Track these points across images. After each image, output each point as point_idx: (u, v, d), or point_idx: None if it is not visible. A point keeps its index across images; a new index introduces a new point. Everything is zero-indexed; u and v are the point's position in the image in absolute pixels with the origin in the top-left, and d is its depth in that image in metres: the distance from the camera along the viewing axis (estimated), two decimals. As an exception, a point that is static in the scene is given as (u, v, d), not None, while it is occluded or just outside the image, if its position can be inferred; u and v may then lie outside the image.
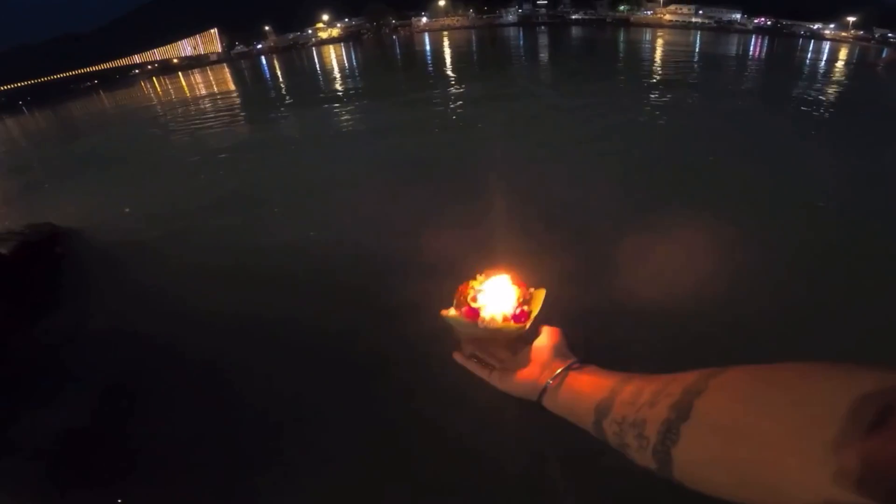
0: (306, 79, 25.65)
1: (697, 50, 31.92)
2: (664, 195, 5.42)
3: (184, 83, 39.21)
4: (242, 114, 15.78)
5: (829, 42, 59.97)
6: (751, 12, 78.54)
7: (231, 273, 4.53)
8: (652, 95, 12.70)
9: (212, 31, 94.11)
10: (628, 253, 3.94)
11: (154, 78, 59.96)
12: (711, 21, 75.11)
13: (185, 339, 3.58)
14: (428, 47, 44.18)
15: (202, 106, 19.02)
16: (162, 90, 36.60)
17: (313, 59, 44.78)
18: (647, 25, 74.68)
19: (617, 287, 3.45)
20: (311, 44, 69.57)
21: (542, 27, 68.81)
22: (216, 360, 3.32)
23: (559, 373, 0.67)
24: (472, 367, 0.79)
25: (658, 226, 4.46)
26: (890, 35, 61.05)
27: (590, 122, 9.35)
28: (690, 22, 75.68)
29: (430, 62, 28.41)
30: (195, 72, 59.24)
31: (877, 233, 4.41)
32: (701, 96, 12.69)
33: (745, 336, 3.01)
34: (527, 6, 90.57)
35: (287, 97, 18.67)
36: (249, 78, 36.10)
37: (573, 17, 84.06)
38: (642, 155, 7.10)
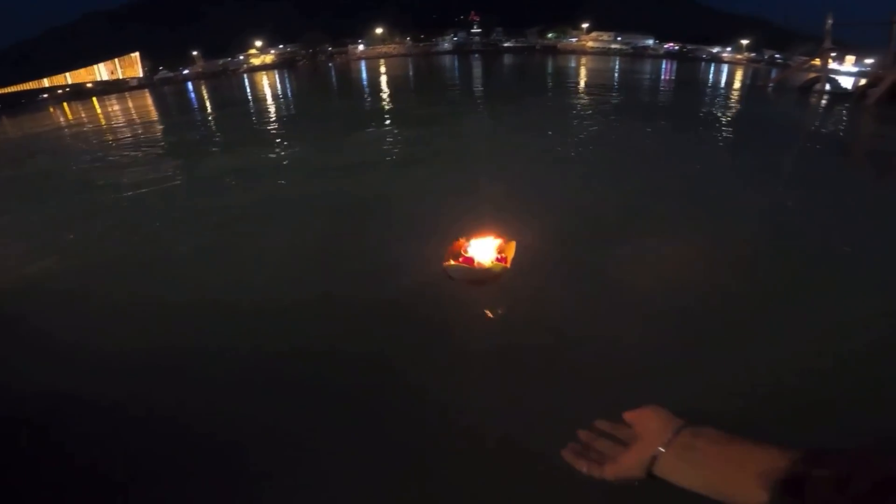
0: (235, 107, 24.32)
1: (617, 74, 34.32)
2: (590, 193, 6.65)
3: (98, 110, 36.33)
4: (162, 144, 14.36)
5: (726, 65, 67.10)
6: (662, 38, 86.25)
7: (136, 330, 3.91)
8: (576, 116, 13.38)
9: (133, 54, 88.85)
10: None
11: (65, 104, 55.44)
12: (628, 47, 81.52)
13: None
14: (364, 75, 44.17)
15: (118, 136, 17.28)
16: (74, 117, 33.59)
17: (244, 86, 43.21)
18: (573, 52, 79.87)
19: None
20: (242, 70, 67.17)
21: (476, 55, 71.11)
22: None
23: (670, 438, 0.70)
24: (581, 464, 0.79)
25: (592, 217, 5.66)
26: (777, 56, 69.12)
27: (524, 147, 9.58)
28: (610, 48, 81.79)
29: (366, 89, 28.12)
30: (112, 97, 55.45)
31: (755, 232, 5.30)
32: (619, 115, 13.78)
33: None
34: (462, 34, 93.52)
35: (213, 127, 17.39)
36: (173, 105, 33.96)
37: (505, 44, 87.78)
38: (571, 170, 8.09)
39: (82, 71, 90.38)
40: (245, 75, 59.62)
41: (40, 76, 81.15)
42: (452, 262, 3.13)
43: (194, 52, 75.80)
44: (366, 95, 22.81)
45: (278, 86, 39.20)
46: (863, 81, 23.79)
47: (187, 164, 10.59)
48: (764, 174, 7.45)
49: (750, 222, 5.41)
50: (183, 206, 7.41)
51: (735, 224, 5.32)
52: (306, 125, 14.91)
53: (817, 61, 24.84)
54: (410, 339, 3.43)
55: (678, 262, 4.36)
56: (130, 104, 36.71)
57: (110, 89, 65.30)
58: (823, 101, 18.96)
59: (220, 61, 72.21)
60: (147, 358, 3.47)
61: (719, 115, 14.49)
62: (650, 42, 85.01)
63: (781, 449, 0.59)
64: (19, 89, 78.59)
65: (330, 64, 64.97)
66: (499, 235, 3.30)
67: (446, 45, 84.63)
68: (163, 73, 73.54)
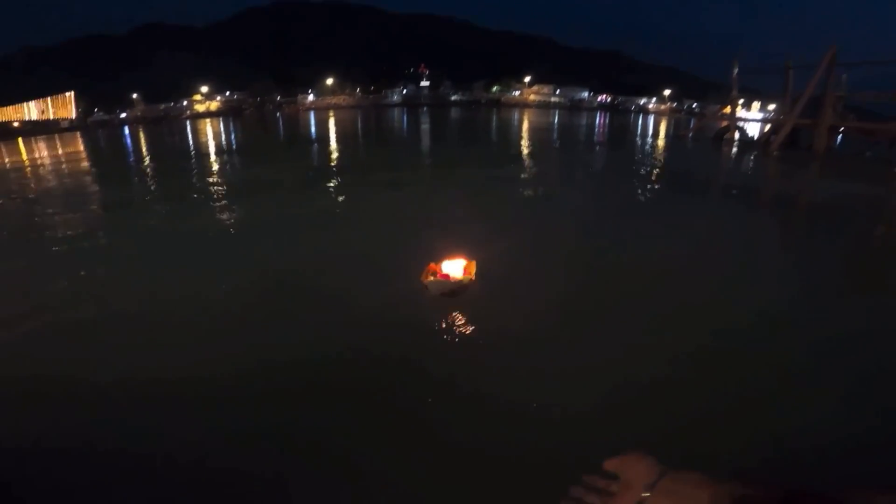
0: (174, 156, 23.47)
1: (556, 127, 36.54)
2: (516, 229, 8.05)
3: (23, 151, 34.22)
4: (89, 195, 13.55)
5: (652, 115, 73.47)
6: (595, 90, 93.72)
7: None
8: (519, 168, 14.12)
9: (67, 94, 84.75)
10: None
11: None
12: (566, 100, 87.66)
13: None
14: (313, 128, 44.33)
15: (41, 183, 16.21)
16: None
17: (185, 134, 42.14)
18: (516, 105, 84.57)
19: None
20: (185, 116, 65.42)
21: (425, 108, 73.64)
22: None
23: (654, 483, 0.71)
24: None
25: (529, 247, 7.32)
26: (695, 105, 76.72)
27: (472, 198, 10.12)
28: (550, 101, 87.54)
29: (314, 140, 28.03)
30: (40, 139, 52.36)
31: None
32: (561, 168, 15.02)
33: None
34: (411, 87, 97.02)
35: (146, 178, 16.64)
36: (105, 151, 32.46)
37: (452, 97, 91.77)
38: (514, 210, 9.56)
39: (9, 108, 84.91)
40: (188, 122, 58.05)
41: None
42: (431, 278, 4.32)
43: (134, 95, 73.45)
44: (313, 150, 22.72)
45: (223, 136, 38.53)
46: (767, 127, 26.59)
47: (114, 218, 10.09)
48: (671, 214, 8.70)
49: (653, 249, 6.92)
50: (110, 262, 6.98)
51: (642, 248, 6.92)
52: (248, 182, 14.53)
53: (727, 109, 27.62)
54: (396, 341, 4.31)
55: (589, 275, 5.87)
56: (59, 148, 34.76)
57: (39, 130, 61.52)
58: (734, 150, 21.11)
59: (162, 106, 70.11)
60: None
61: (645, 168, 15.72)
62: (585, 95, 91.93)
63: (766, 488, 0.61)
64: None
65: (278, 114, 64.57)
66: (464, 256, 5.14)
67: (396, 98, 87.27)
68: (98, 115, 70.42)
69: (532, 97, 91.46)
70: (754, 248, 7.22)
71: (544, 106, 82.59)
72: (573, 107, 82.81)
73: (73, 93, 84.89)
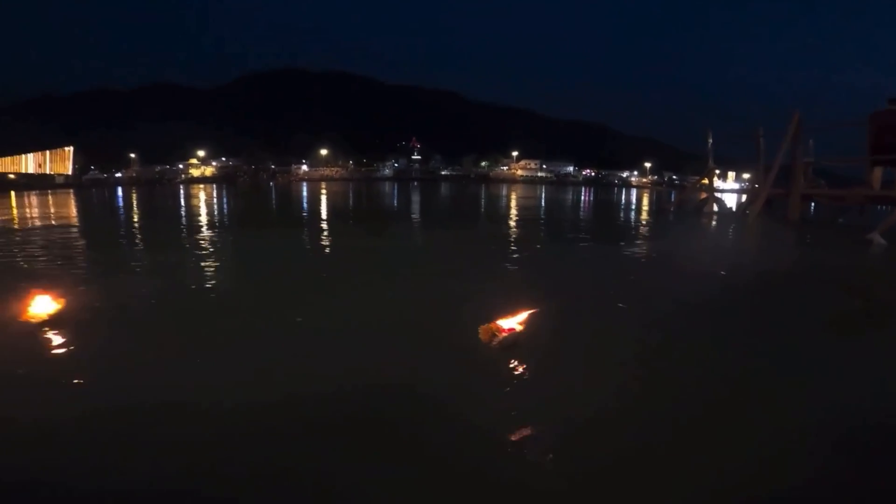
0: (166, 221, 23.63)
1: (543, 203, 36.86)
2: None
3: (14, 204, 34.49)
4: (76, 259, 13.50)
5: (635, 188, 75.96)
6: (580, 164, 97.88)
7: None
8: (507, 247, 14.09)
9: (67, 149, 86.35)
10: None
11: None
12: (553, 175, 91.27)
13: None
14: (305, 195, 45.33)
15: (31, 238, 16.36)
16: None
17: (178, 198, 43.02)
18: (504, 180, 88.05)
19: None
20: (178, 180, 67.02)
21: (416, 182, 76.65)
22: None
23: None
24: None
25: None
26: (675, 178, 79.91)
27: (458, 275, 9.59)
28: (537, 176, 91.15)
29: (306, 212, 28.38)
30: (33, 193, 52.98)
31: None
32: (547, 245, 14.76)
33: None
34: (402, 161, 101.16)
35: (136, 245, 16.72)
36: (98, 211, 32.90)
37: (443, 172, 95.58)
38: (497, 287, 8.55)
39: (7, 159, 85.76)
40: (181, 186, 59.32)
41: None
42: (496, 333, 5.11)
43: (132, 155, 75.38)
44: (305, 223, 22.56)
45: (215, 203, 39.38)
46: (744, 198, 27.02)
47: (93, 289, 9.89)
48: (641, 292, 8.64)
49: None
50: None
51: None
52: (242, 259, 14.39)
53: (706, 180, 28.66)
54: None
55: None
56: (52, 206, 34.97)
57: (34, 184, 62.27)
58: (714, 223, 21.76)
59: (158, 168, 71.93)
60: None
61: (632, 246, 15.56)
62: (571, 169, 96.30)
63: None
64: None
65: (271, 183, 66.31)
66: (513, 313, 5.26)
67: (387, 172, 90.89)
68: (93, 173, 71.90)
69: (520, 172, 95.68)
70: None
71: (531, 181, 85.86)
72: (559, 181, 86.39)
73: (72, 148, 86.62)
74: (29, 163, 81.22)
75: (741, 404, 4.89)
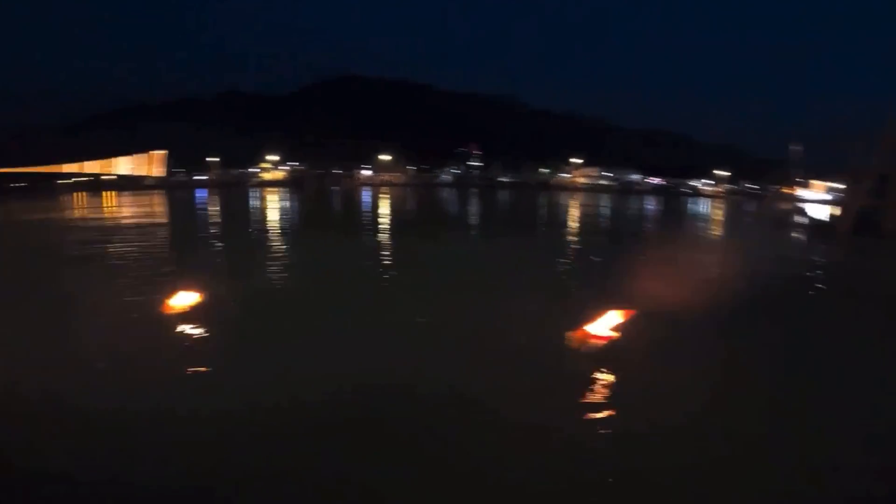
0: (244, 224, 24.77)
1: (610, 217, 33.23)
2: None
3: (113, 203, 37.63)
4: (161, 256, 14.27)
5: (709, 199, 69.97)
6: (647, 173, 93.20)
7: None
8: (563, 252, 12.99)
9: (156, 153, 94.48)
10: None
11: (83, 192, 58.39)
12: (617, 183, 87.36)
13: None
14: (368, 200, 45.73)
15: (124, 235, 17.62)
16: (87, 205, 34.47)
17: (253, 200, 45.16)
18: (564, 188, 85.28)
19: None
20: (251, 183, 71.08)
21: (475, 189, 76.16)
22: None
23: None
24: None
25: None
26: (752, 186, 72.88)
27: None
28: (599, 184, 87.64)
29: (368, 216, 28.25)
30: (126, 193, 57.85)
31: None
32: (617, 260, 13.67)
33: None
34: (462, 167, 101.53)
35: (218, 246, 17.53)
36: (183, 210, 35.24)
37: (502, 179, 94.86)
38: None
39: (107, 161, 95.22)
40: (252, 189, 62.55)
41: (67, 161, 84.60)
42: (587, 337, 5.29)
43: (212, 159, 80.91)
44: (370, 233, 22.23)
45: (279, 207, 40.80)
46: (832, 210, 24.20)
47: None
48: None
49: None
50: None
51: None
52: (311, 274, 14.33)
53: (789, 189, 25.95)
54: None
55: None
56: (143, 203, 37.98)
57: (127, 185, 68.30)
58: (801, 235, 19.45)
59: (234, 171, 76.85)
60: None
61: (719, 266, 14.58)
62: (636, 177, 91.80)
63: None
64: (43, 170, 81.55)
65: (335, 187, 68.59)
66: (610, 312, 5.55)
67: (446, 178, 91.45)
68: (178, 175, 77.75)
69: (581, 180, 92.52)
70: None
71: (593, 190, 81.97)
72: (624, 189, 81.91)
73: (161, 152, 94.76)
74: (124, 165, 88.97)
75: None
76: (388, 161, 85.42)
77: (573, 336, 5.52)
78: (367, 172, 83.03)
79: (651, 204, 53.42)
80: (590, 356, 5.34)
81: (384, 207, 37.87)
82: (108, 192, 57.87)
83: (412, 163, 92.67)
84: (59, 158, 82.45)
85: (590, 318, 5.84)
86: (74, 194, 56.91)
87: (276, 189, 63.08)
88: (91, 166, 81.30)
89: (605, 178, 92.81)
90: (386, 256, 17.15)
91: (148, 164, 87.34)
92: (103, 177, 78.10)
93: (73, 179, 75.08)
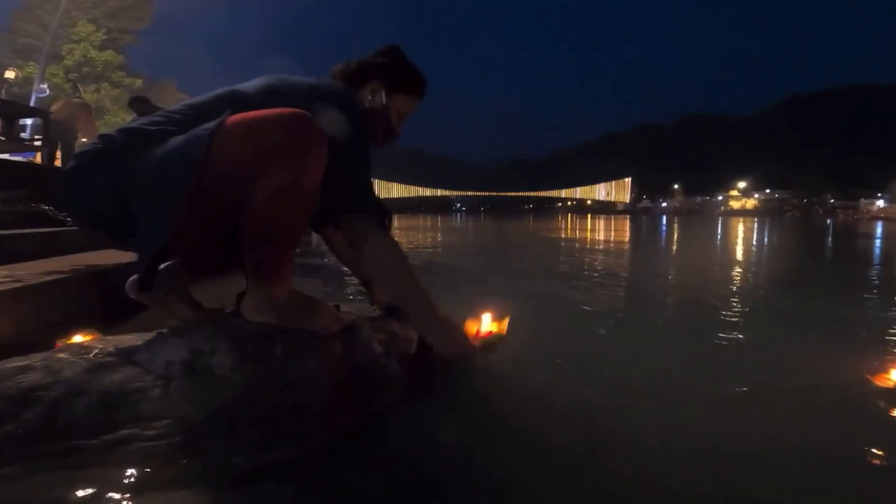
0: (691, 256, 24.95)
1: None
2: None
3: (589, 226, 46.22)
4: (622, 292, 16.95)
5: None
6: None
7: None
8: None
9: (625, 180, 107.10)
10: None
11: (569, 214, 73.65)
12: None
13: None
14: (882, 242, 35.86)
15: (600, 258, 21.99)
16: (574, 229, 43.98)
17: (715, 231, 44.12)
18: None
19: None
20: (717, 212, 68.26)
21: None
22: None
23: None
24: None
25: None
26: None
27: None
28: None
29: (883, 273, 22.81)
30: (601, 217, 68.66)
31: None
32: None
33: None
34: None
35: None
36: (645, 237, 38.91)
37: None
38: None
39: (586, 188, 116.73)
40: (720, 218, 60.11)
41: (560, 187, 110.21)
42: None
43: (675, 186, 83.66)
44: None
45: (754, 240, 37.65)
46: None
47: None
48: None
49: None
50: None
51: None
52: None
53: None
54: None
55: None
56: (614, 226, 44.36)
57: (602, 209, 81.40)
58: None
59: (699, 199, 76.25)
60: None
61: None
62: None
63: None
64: (544, 195, 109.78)
65: (829, 220, 55.49)
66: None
67: None
68: (644, 202, 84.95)
69: None
70: None
71: None
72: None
73: (629, 179, 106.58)
74: (600, 191, 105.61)
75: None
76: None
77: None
78: (879, 203, 63.05)
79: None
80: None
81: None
82: (592, 214, 70.28)
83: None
84: (556, 184, 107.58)
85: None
86: (569, 215, 72.04)
87: (746, 218, 58.03)
88: (580, 192, 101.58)
89: None
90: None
91: (620, 191, 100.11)
92: (588, 202, 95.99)
93: (569, 203, 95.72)
